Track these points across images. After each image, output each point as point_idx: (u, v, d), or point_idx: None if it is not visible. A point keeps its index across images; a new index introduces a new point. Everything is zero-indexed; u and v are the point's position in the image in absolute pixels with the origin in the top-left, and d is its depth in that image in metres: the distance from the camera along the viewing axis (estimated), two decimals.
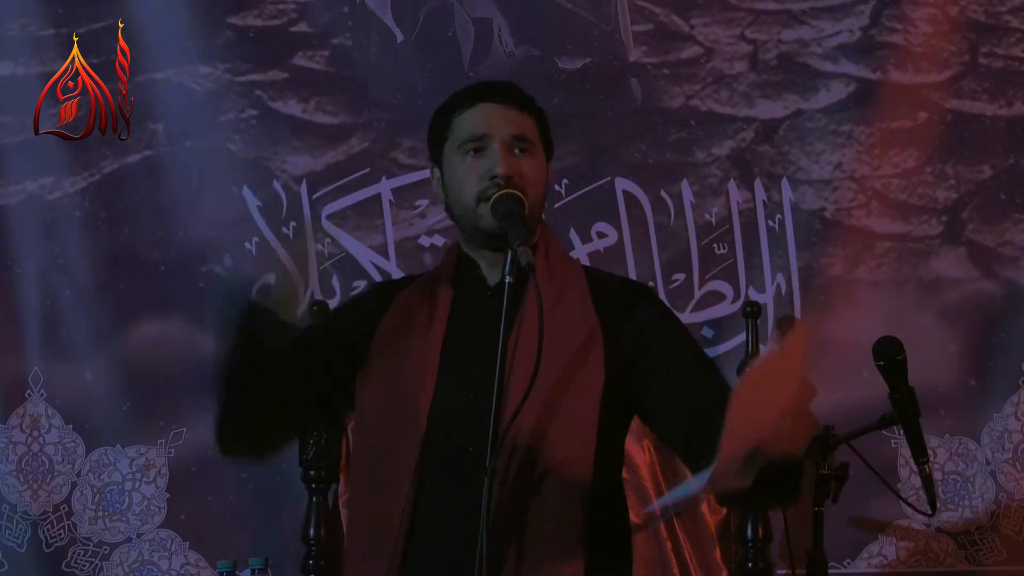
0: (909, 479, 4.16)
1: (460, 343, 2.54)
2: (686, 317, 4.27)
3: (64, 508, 4.22)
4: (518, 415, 2.35)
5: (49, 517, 4.22)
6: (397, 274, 4.28)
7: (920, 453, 3.45)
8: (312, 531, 4.07)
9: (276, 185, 4.32)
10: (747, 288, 4.31)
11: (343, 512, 4.11)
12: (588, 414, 2.49)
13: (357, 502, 2.62)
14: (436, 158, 2.63)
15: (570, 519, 2.45)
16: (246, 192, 4.31)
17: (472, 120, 2.57)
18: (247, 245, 4.29)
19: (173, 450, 4.25)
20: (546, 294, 2.44)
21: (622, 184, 4.34)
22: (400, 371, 2.54)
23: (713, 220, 4.33)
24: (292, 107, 4.34)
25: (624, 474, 2.64)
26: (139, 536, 4.23)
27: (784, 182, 4.35)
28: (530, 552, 2.41)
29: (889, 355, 3.45)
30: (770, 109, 4.37)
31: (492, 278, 2.58)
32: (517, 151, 2.55)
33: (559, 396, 2.47)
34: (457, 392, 2.50)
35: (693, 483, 2.38)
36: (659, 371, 2.53)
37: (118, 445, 4.25)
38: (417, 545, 2.46)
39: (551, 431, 2.45)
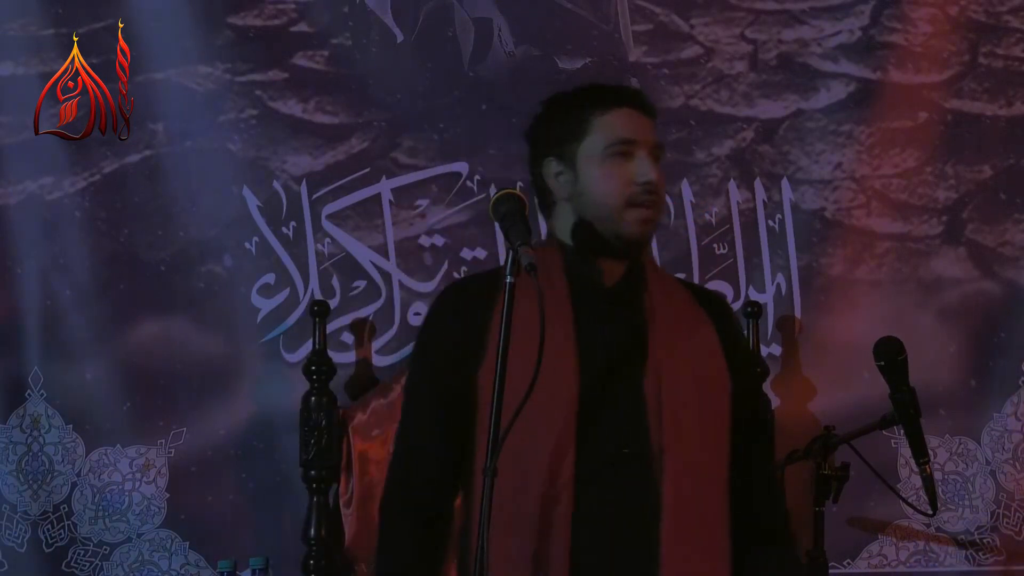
0: (909, 479, 4.16)
1: (592, 345, 2.52)
2: None
3: (64, 508, 4.22)
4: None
5: (49, 517, 4.21)
6: (397, 274, 4.28)
7: (921, 453, 3.45)
8: (313, 531, 4.08)
9: (276, 185, 4.32)
10: (747, 288, 4.31)
11: (344, 512, 4.12)
12: (721, 419, 2.55)
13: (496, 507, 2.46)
14: (561, 153, 2.59)
15: (722, 516, 2.52)
16: (246, 192, 4.31)
17: (620, 123, 2.56)
18: (247, 245, 4.29)
19: (173, 450, 4.24)
20: (658, 292, 2.56)
21: None
22: (530, 367, 2.45)
23: (713, 220, 4.33)
24: (292, 107, 4.34)
25: None
26: (139, 536, 4.23)
27: (784, 182, 4.35)
28: (701, 548, 2.48)
29: (890, 355, 3.46)
30: (770, 109, 4.37)
31: (609, 279, 2.58)
32: (656, 161, 2.57)
33: (694, 394, 2.52)
34: (603, 396, 2.49)
35: None
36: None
37: (118, 445, 4.25)
38: (581, 549, 2.45)
39: (696, 431, 2.50)
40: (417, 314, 4.28)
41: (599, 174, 2.55)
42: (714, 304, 2.68)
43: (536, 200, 2.69)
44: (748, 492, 2.58)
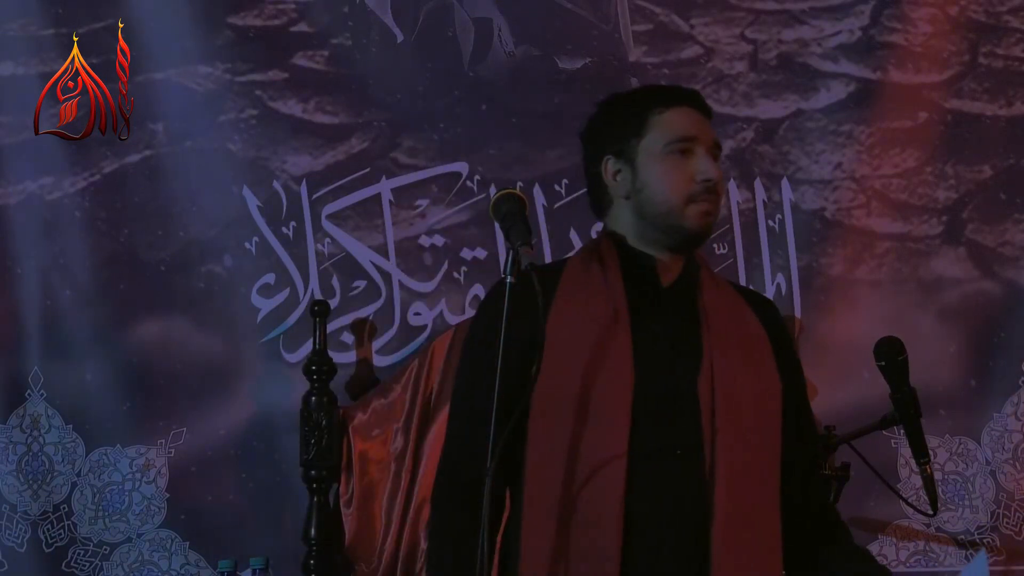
0: (909, 479, 4.16)
1: (647, 342, 2.53)
2: None
3: (64, 508, 4.22)
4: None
5: (49, 517, 4.21)
6: (397, 274, 4.28)
7: (921, 453, 3.45)
8: (313, 531, 4.08)
9: (276, 185, 4.32)
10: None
11: (344, 512, 4.12)
12: (773, 420, 2.56)
13: (542, 494, 2.47)
14: (619, 151, 2.60)
15: (773, 515, 2.53)
16: (246, 192, 4.31)
17: (679, 121, 2.58)
18: (247, 245, 4.29)
19: (173, 450, 4.24)
20: (711, 293, 2.58)
21: None
22: (590, 363, 2.48)
23: None
24: (292, 107, 4.34)
25: None
26: (139, 536, 4.23)
27: (784, 182, 4.35)
28: (752, 548, 2.48)
29: (891, 355, 3.45)
30: (770, 109, 4.37)
31: (665, 278, 2.59)
32: (715, 159, 2.59)
33: (746, 394, 2.52)
34: (657, 393, 2.50)
35: None
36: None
37: (118, 445, 4.25)
38: (631, 545, 2.44)
39: (749, 431, 2.51)
40: (417, 314, 4.28)
41: (659, 171, 2.56)
42: (763, 306, 2.70)
43: (590, 200, 2.70)
44: (799, 493, 2.60)
